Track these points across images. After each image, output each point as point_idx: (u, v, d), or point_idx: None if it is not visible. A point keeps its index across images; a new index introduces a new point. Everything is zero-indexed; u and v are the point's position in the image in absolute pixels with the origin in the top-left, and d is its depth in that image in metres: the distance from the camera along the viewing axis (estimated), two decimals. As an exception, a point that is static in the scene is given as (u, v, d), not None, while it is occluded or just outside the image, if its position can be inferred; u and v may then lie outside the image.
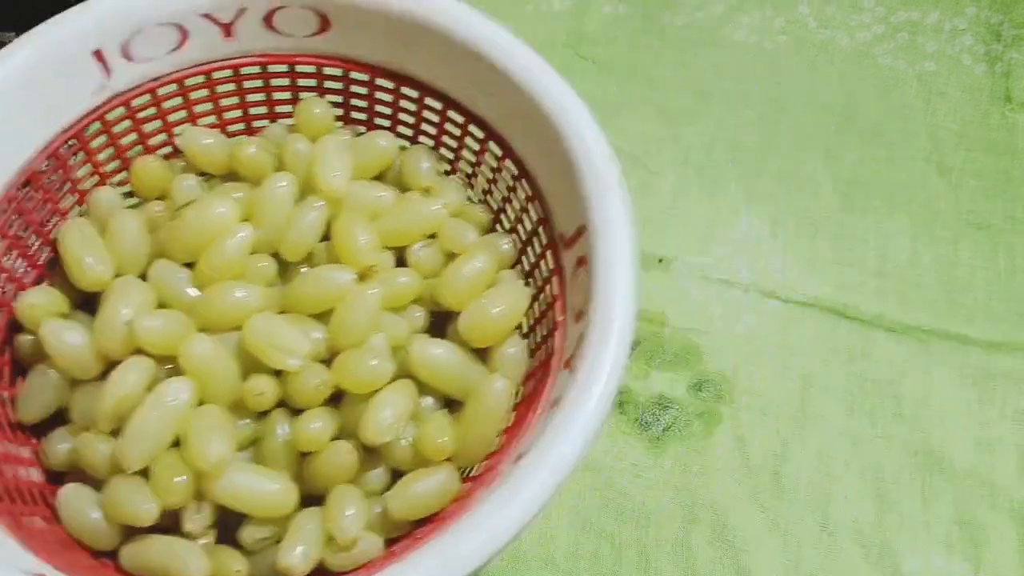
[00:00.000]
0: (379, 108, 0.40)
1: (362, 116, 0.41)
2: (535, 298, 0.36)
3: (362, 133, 0.41)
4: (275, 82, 0.39)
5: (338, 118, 0.40)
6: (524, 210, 0.36)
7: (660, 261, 0.50)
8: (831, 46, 0.57)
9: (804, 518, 0.44)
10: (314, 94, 0.39)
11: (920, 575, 0.43)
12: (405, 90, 0.38)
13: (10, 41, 0.57)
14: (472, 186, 0.40)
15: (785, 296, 0.49)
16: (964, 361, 0.48)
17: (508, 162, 0.36)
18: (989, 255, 0.51)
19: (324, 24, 0.36)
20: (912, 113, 0.55)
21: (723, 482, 0.45)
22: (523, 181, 0.36)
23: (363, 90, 0.39)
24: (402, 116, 0.40)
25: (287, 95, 0.40)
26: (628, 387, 0.47)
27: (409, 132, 0.40)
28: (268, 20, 0.36)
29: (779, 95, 0.56)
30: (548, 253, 0.35)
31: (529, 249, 0.37)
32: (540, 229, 0.35)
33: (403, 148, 0.40)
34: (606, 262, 0.31)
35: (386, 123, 0.40)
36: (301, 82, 0.39)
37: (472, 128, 0.37)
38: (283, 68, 0.38)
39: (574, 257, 0.32)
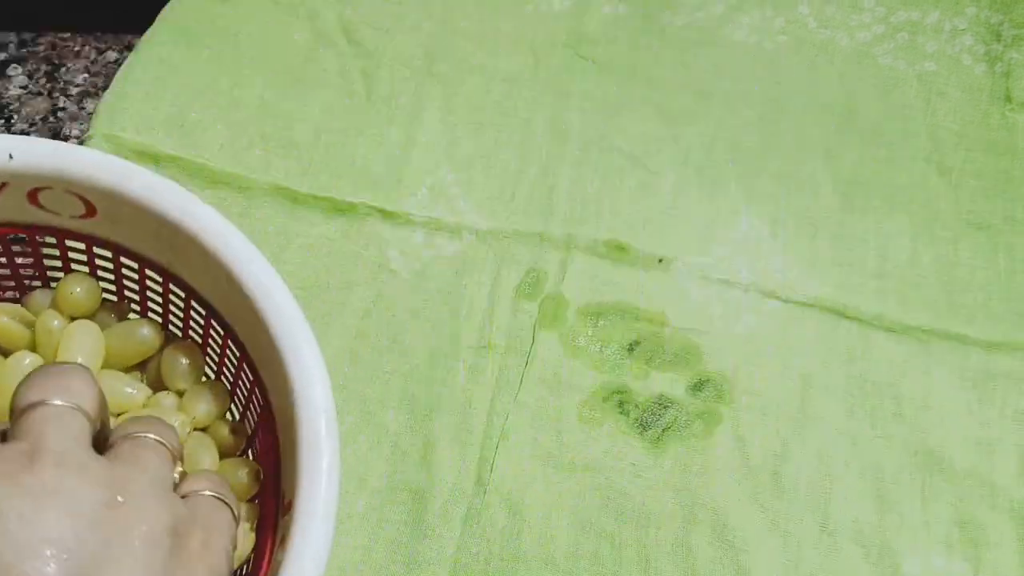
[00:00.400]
0: (151, 295, 0.38)
1: (136, 297, 0.39)
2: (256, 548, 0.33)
3: (137, 312, 0.39)
4: (47, 251, 0.37)
5: (113, 293, 0.39)
6: (267, 450, 0.34)
7: (660, 261, 0.50)
8: (831, 46, 0.57)
9: (804, 518, 0.44)
10: (85, 268, 0.38)
11: (920, 575, 0.43)
12: (173, 287, 0.36)
13: (10, 42, 0.58)
14: (234, 399, 0.37)
15: (785, 296, 0.49)
16: (964, 361, 0.48)
17: (258, 392, 0.34)
18: (989, 255, 0.51)
19: (90, 210, 0.34)
20: (912, 113, 0.55)
21: (723, 482, 0.45)
22: (268, 417, 0.33)
23: (134, 275, 0.37)
24: (173, 309, 0.38)
25: (59, 263, 0.38)
26: (628, 387, 0.47)
27: (180, 324, 0.38)
28: (32, 197, 0.34)
29: (779, 95, 0.56)
30: (272, 506, 0.32)
31: (267, 490, 0.34)
32: (277, 475, 0.32)
33: (173, 339, 0.38)
34: (297, 558, 0.27)
35: (159, 309, 0.38)
36: (73, 255, 0.37)
37: (231, 344, 0.35)
38: (52, 240, 0.36)
39: (282, 530, 0.29)
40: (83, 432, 0.26)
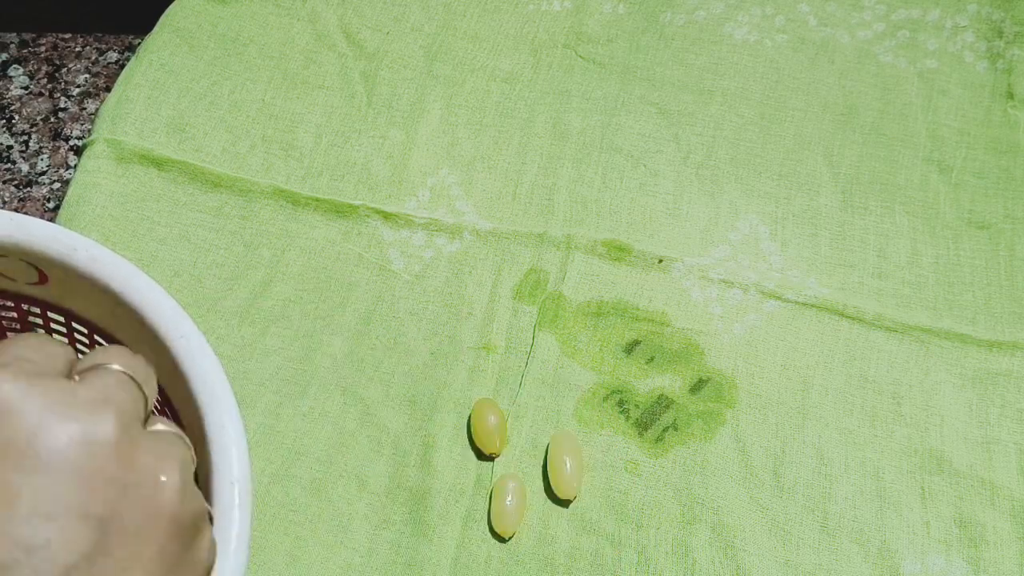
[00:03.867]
0: None
1: None
2: None
3: None
4: (4, 313, 0.39)
5: None
6: None
7: (660, 261, 0.50)
8: (831, 44, 0.57)
9: (804, 518, 0.44)
10: (42, 331, 0.39)
11: (920, 575, 0.43)
12: None
13: (11, 42, 0.58)
14: None
15: (785, 296, 0.49)
16: (964, 361, 0.48)
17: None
18: (990, 254, 0.51)
19: (43, 277, 0.36)
20: (913, 111, 0.55)
21: (723, 482, 0.45)
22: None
23: (85, 339, 0.39)
24: None
25: (17, 325, 0.40)
26: (628, 387, 0.47)
27: None
28: None
29: (779, 94, 0.55)
30: None
31: None
32: None
33: None
34: None
35: None
36: (31, 319, 0.39)
37: (168, 411, 0.36)
38: (10, 303, 0.38)
39: None
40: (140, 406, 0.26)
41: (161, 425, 0.27)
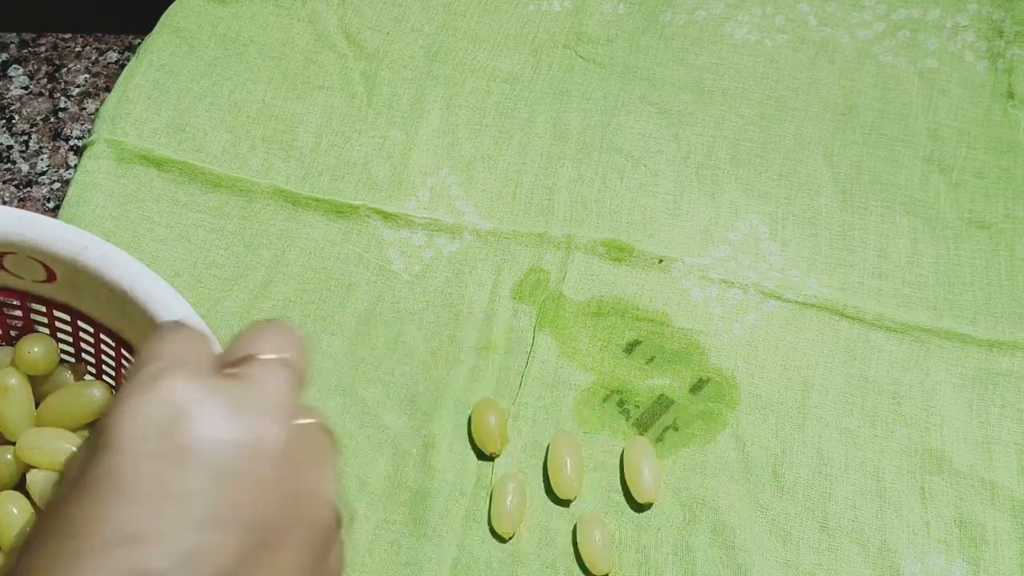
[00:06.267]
0: (105, 358, 0.40)
1: (91, 359, 0.40)
2: None
3: (93, 374, 0.41)
4: (9, 312, 0.40)
5: (71, 354, 0.41)
6: None
7: (660, 261, 0.50)
8: (832, 44, 0.57)
9: (804, 518, 0.44)
10: (46, 330, 0.40)
11: (920, 575, 0.43)
12: (125, 352, 0.38)
13: (11, 42, 0.58)
14: None
15: (785, 296, 0.49)
16: (964, 361, 0.48)
17: None
18: (990, 254, 0.51)
19: (51, 275, 0.36)
20: (913, 111, 0.55)
21: (723, 482, 0.45)
22: None
23: (90, 338, 0.39)
24: (124, 372, 0.39)
25: (21, 324, 0.40)
26: (628, 387, 0.47)
27: None
28: None
29: (779, 94, 0.55)
30: None
31: None
32: None
33: None
34: None
35: (112, 371, 0.40)
36: (35, 317, 0.39)
37: None
38: (15, 302, 0.38)
39: None
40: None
41: (307, 419, 0.25)
